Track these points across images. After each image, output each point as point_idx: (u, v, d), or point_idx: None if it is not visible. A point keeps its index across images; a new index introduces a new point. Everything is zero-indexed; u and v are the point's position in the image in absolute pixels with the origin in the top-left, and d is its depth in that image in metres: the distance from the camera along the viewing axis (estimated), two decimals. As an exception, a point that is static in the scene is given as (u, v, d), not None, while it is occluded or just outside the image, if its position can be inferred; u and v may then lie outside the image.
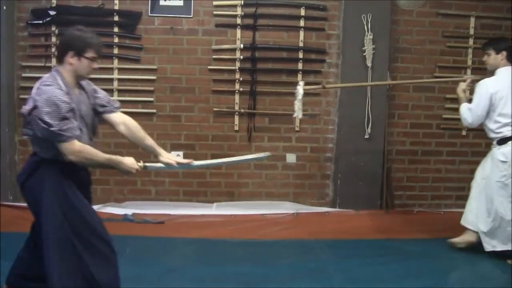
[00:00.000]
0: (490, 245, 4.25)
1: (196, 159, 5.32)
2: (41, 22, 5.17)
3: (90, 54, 2.89)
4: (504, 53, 4.23)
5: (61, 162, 2.86)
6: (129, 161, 3.01)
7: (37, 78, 2.97)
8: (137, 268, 3.91)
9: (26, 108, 2.83)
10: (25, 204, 3.10)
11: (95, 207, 5.08)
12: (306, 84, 5.36)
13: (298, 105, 4.28)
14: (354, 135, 5.34)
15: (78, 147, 2.82)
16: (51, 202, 2.87)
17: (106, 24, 5.27)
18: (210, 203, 5.47)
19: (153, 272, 3.86)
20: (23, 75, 5.24)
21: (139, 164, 3.05)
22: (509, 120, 4.14)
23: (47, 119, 2.73)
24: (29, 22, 5.19)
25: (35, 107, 2.77)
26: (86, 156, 2.86)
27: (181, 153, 5.42)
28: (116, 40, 5.29)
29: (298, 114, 4.35)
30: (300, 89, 4.29)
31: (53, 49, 5.15)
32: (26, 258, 3.13)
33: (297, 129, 5.51)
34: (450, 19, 5.53)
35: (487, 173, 4.32)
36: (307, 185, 5.62)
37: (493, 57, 4.28)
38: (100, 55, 3.01)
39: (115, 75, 5.30)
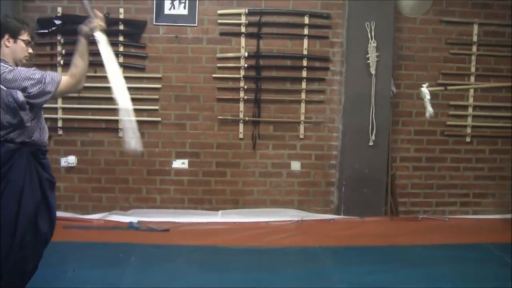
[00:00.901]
0: None
1: (201, 167, 5.46)
2: (46, 31, 5.22)
3: (25, 36, 3.08)
4: None
5: (30, 144, 3.02)
6: (87, 28, 3.07)
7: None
8: (142, 275, 3.93)
9: (19, 99, 2.90)
10: None
11: (100, 215, 5.19)
12: (312, 92, 5.44)
13: (427, 105, 4.21)
14: (359, 142, 5.35)
15: (70, 77, 3.04)
16: (16, 185, 2.97)
17: (111, 33, 5.27)
18: (215, 210, 5.48)
19: (158, 280, 3.87)
20: (29, 84, 5.26)
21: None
22: None
23: (36, 80, 2.93)
24: (35, 31, 5.21)
25: (23, 89, 2.91)
26: (79, 70, 3.04)
27: (186, 161, 5.45)
28: (121, 49, 5.31)
29: (430, 113, 4.23)
30: (425, 90, 4.25)
31: (59, 58, 5.20)
32: None
33: (301, 136, 5.52)
34: (453, 26, 5.54)
35: None
36: (311, 192, 5.62)
37: None
38: (33, 39, 3.18)
39: (120, 84, 5.32)
